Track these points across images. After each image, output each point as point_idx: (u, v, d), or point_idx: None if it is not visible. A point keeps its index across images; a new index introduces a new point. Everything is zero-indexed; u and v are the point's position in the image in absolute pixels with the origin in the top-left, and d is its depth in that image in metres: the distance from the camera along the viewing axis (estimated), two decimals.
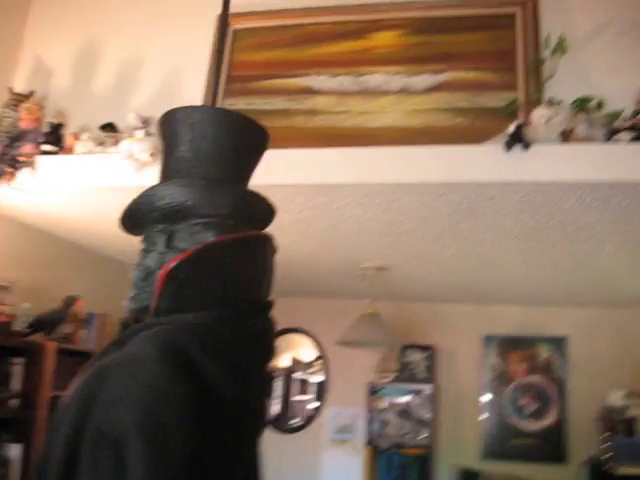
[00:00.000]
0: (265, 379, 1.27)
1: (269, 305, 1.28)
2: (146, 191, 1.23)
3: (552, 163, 2.57)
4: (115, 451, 0.96)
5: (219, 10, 3.37)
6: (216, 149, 1.26)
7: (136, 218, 1.26)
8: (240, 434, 1.14)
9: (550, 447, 5.10)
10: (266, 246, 1.29)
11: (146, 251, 1.25)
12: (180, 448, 0.98)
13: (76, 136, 3.12)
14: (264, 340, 1.23)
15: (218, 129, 1.28)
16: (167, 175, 1.27)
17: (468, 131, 2.93)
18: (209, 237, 1.20)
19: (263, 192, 1.28)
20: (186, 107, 1.31)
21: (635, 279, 4.16)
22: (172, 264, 1.17)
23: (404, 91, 3.08)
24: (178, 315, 1.15)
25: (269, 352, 1.24)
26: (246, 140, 1.32)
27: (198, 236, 1.20)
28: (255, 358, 1.20)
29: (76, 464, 0.98)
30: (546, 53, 2.84)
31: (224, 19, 1.42)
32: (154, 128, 3.06)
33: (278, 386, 5.63)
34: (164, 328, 1.12)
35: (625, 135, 2.55)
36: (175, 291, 1.17)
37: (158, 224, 1.23)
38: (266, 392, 1.30)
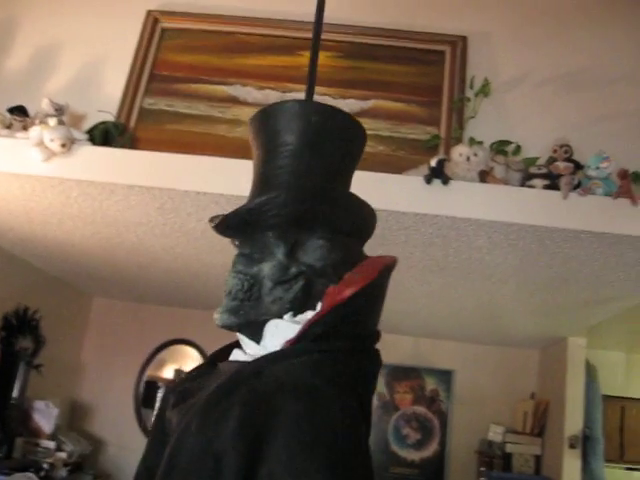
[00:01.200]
0: None
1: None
2: (271, 193, 1.09)
3: (469, 201, 2.63)
4: None
5: (149, 5, 3.28)
6: (340, 156, 1.16)
7: (249, 220, 1.10)
8: None
9: (428, 478, 5.19)
10: None
11: (252, 258, 1.11)
12: None
13: None
14: (378, 372, 1.12)
15: (343, 133, 1.17)
16: (275, 174, 1.12)
17: (388, 160, 2.96)
18: (332, 255, 1.09)
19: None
20: (303, 101, 1.19)
21: (526, 320, 4.32)
22: (350, 291, 1.03)
23: None
24: (331, 342, 1.01)
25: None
26: (359, 149, 1.23)
27: (320, 252, 1.08)
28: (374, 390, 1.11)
29: None
30: (470, 93, 2.92)
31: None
32: (67, 117, 2.91)
33: (159, 398, 5.45)
34: (322, 357, 0.98)
35: (539, 182, 2.65)
36: (339, 318, 1.03)
37: (277, 230, 1.09)
38: None
